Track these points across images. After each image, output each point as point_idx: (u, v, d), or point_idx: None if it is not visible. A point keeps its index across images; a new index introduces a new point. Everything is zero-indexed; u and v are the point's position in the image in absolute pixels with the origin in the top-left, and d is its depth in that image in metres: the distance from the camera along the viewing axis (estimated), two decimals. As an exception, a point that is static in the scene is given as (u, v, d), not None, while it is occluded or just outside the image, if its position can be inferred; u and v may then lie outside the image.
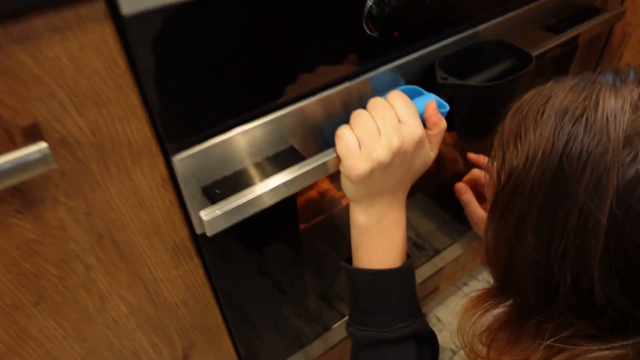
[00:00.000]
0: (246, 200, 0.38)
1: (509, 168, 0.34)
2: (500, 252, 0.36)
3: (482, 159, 0.64)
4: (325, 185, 0.68)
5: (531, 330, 0.34)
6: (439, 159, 0.83)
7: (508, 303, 0.37)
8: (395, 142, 0.40)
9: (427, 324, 0.49)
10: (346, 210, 0.47)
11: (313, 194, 0.68)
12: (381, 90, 0.46)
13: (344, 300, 0.77)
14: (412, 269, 0.48)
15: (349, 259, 0.49)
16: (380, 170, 0.41)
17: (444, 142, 0.81)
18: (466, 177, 0.69)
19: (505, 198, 0.34)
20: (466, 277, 1.18)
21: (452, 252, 0.96)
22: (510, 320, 0.37)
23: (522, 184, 0.32)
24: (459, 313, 0.40)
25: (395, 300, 0.46)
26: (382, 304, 0.46)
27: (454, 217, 0.93)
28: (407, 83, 0.49)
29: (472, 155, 0.65)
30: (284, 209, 0.52)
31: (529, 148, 0.32)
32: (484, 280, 1.26)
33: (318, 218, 0.66)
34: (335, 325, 0.75)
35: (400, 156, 0.41)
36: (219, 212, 0.37)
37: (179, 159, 0.37)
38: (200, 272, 0.47)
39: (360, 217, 0.45)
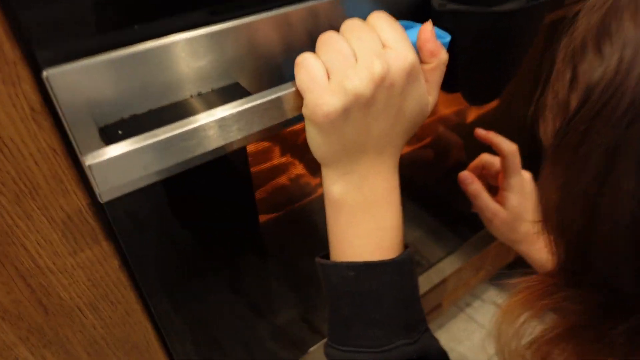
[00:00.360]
0: (156, 141, 0.26)
1: (585, 83, 0.22)
2: (569, 213, 0.23)
3: (493, 136, 0.52)
4: (298, 170, 0.56)
5: (617, 344, 0.21)
6: (437, 148, 0.72)
7: (576, 299, 0.24)
8: (377, 68, 0.29)
9: (435, 340, 0.36)
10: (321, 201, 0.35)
11: (283, 180, 0.56)
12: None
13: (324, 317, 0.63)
14: (411, 261, 0.35)
15: (327, 256, 0.37)
16: (359, 109, 0.29)
17: (444, 124, 0.70)
18: (473, 164, 0.57)
19: (579, 128, 0.22)
20: (469, 297, 1.05)
21: (449, 265, 0.83)
22: (579, 326, 0.24)
23: (612, 99, 0.20)
24: (498, 314, 0.27)
25: (391, 306, 0.33)
26: (373, 312, 0.33)
27: (449, 224, 0.80)
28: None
29: (480, 132, 0.53)
30: (235, 186, 0.40)
31: (624, 44, 0.20)
32: (489, 300, 1.12)
33: (287, 208, 0.54)
34: (313, 348, 0.61)
35: (385, 90, 0.30)
36: (113, 155, 0.25)
37: (56, 74, 0.25)
38: (114, 263, 0.34)
39: (336, 187, 0.33)
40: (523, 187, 0.51)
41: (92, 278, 0.34)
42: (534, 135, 0.29)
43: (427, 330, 0.36)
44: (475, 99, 0.43)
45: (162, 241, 0.37)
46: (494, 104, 0.66)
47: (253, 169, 0.56)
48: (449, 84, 0.36)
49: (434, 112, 0.64)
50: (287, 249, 0.55)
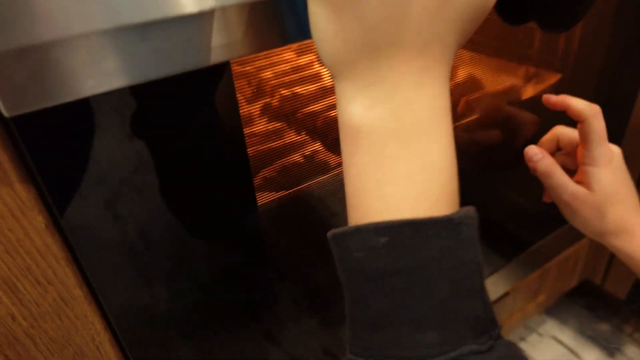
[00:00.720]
0: None
1: None
2: None
3: (567, 98, 0.40)
4: (312, 147, 0.46)
5: None
6: (484, 132, 0.59)
7: None
8: None
9: (519, 350, 0.23)
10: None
11: (297, 158, 0.45)
12: None
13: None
14: (474, 224, 0.22)
15: None
16: None
17: (494, 103, 0.57)
18: (544, 139, 0.44)
19: None
20: (523, 329, 0.88)
21: (496, 285, 0.69)
22: None
23: None
24: None
25: (447, 292, 0.21)
26: (418, 302, 0.21)
27: (495, 232, 0.67)
28: None
29: (551, 98, 0.41)
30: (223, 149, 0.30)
31: None
32: (548, 335, 0.95)
33: (296, 188, 0.43)
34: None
35: None
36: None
37: None
38: (37, 220, 0.24)
39: (355, 107, 0.22)
40: (611, 160, 0.38)
41: (3, 240, 0.23)
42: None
43: (501, 337, 0.23)
44: (551, 21, 0.32)
45: (115, 198, 0.27)
46: (555, 77, 0.55)
47: (256, 148, 0.46)
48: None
49: (478, 86, 0.53)
50: (294, 244, 0.44)
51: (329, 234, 0.24)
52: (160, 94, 0.25)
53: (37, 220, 0.24)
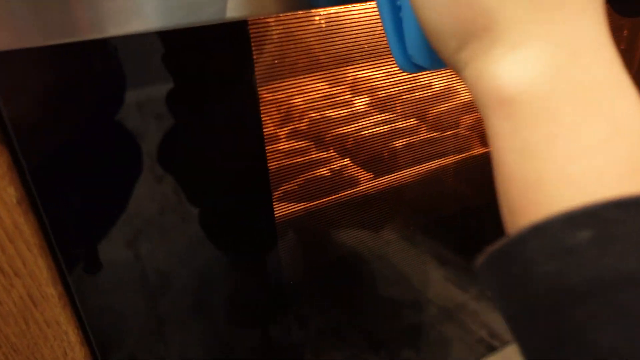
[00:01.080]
0: None
1: None
2: None
3: None
4: (340, 162, 0.42)
5: None
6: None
7: None
8: None
9: None
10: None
11: (324, 172, 0.41)
12: None
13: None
14: None
15: None
16: None
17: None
18: None
19: None
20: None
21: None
22: None
23: None
24: None
25: None
26: None
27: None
28: None
29: None
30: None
31: None
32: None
33: (325, 199, 0.38)
34: None
35: None
36: None
37: None
38: (8, 192, 0.20)
39: (503, 75, 0.17)
40: None
41: (-37, 211, 0.19)
42: None
43: None
44: (629, 7, 0.27)
45: (98, 164, 0.23)
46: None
47: (277, 163, 0.42)
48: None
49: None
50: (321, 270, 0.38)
51: (481, 258, 0.17)
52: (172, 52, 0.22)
53: (8, 192, 0.20)
